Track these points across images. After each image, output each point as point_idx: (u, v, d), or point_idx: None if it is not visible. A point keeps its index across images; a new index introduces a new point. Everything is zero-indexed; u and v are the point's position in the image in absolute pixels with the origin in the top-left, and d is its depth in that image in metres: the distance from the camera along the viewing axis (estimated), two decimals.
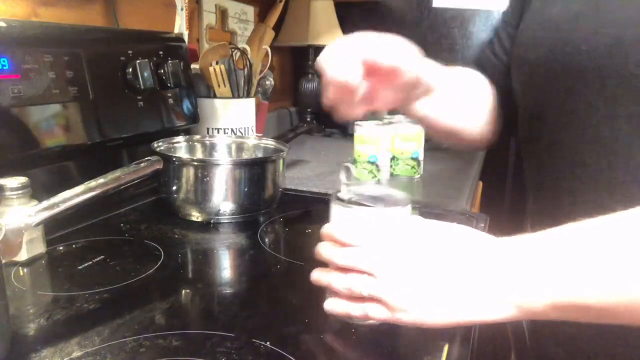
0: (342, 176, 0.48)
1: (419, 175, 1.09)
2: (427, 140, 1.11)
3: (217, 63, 1.03)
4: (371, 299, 0.42)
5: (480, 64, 0.69)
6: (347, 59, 0.49)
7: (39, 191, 0.61)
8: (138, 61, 0.80)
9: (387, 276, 0.41)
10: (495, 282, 0.39)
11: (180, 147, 0.88)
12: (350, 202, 0.47)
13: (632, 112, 0.45)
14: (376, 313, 0.42)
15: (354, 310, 0.43)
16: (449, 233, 0.43)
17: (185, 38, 0.99)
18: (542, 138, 0.56)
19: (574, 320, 0.39)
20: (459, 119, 0.66)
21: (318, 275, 0.47)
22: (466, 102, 0.66)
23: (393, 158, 1.07)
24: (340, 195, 0.48)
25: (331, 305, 0.45)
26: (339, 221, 0.46)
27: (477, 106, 0.67)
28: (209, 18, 1.27)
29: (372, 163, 1.03)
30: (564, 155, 0.52)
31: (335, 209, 0.46)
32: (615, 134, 0.46)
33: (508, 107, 0.65)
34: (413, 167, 1.08)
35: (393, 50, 0.53)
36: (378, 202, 0.48)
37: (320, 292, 0.47)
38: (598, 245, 0.37)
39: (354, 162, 1.04)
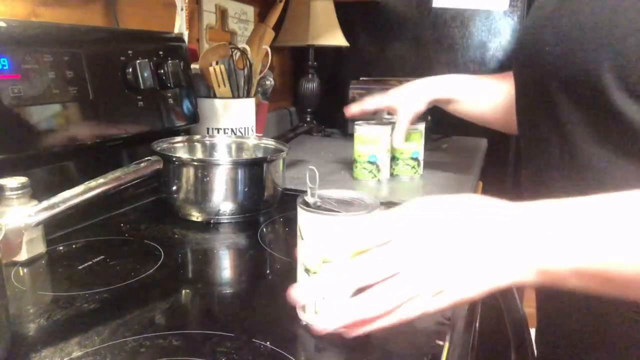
0: (308, 180, 0.47)
1: (419, 175, 1.09)
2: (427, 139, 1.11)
3: (217, 63, 1.03)
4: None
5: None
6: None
7: (39, 191, 0.61)
8: (138, 61, 0.80)
9: (417, 268, 0.38)
10: (518, 245, 0.37)
11: (180, 147, 0.88)
12: (315, 206, 0.46)
13: (581, 109, 0.46)
14: (414, 310, 0.39)
15: (390, 321, 0.39)
16: (459, 206, 0.41)
17: (185, 38, 0.99)
18: (525, 136, 0.59)
19: (594, 292, 0.37)
20: (488, 117, 0.91)
21: (344, 317, 0.40)
22: (492, 104, 0.89)
23: (393, 158, 1.07)
24: (306, 199, 0.47)
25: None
26: (305, 226, 0.44)
27: (504, 107, 0.86)
28: (209, 18, 1.27)
29: (372, 163, 1.03)
30: (537, 153, 0.55)
31: (301, 214, 0.45)
32: (574, 131, 0.48)
33: None
34: (413, 167, 1.08)
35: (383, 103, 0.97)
36: (345, 206, 0.46)
37: None
38: (622, 215, 0.36)
39: (354, 162, 1.04)
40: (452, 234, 0.39)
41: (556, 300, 0.60)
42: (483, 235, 0.38)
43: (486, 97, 0.91)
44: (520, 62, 0.56)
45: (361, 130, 1.02)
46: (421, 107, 0.94)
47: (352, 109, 0.99)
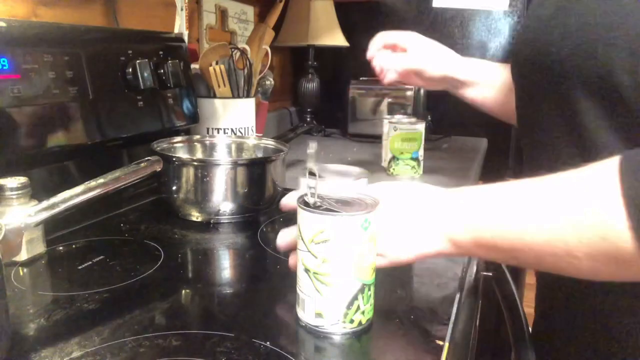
0: (307, 179, 0.47)
1: (419, 175, 1.09)
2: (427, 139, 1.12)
3: (217, 63, 1.03)
4: None
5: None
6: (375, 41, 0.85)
7: (39, 191, 0.61)
8: (138, 61, 0.80)
9: None
10: (436, 220, 0.46)
11: (180, 147, 0.88)
12: (315, 206, 0.45)
13: (596, 107, 0.46)
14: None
15: None
16: (405, 191, 0.51)
17: (185, 38, 0.99)
18: (526, 133, 0.59)
19: (496, 260, 0.47)
20: (499, 104, 0.82)
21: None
22: (503, 91, 0.80)
23: (393, 158, 1.07)
24: (306, 199, 0.47)
25: None
26: (305, 226, 0.44)
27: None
28: (209, 18, 1.27)
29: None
30: (542, 152, 0.55)
31: (301, 214, 0.45)
32: (588, 127, 0.48)
33: None
34: (413, 167, 1.08)
35: (401, 37, 0.84)
36: (345, 206, 0.46)
37: None
38: (511, 198, 0.43)
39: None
40: (395, 215, 0.49)
41: (552, 293, 0.60)
42: (414, 214, 0.48)
43: (499, 83, 0.83)
44: (522, 61, 0.56)
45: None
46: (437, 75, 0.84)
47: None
